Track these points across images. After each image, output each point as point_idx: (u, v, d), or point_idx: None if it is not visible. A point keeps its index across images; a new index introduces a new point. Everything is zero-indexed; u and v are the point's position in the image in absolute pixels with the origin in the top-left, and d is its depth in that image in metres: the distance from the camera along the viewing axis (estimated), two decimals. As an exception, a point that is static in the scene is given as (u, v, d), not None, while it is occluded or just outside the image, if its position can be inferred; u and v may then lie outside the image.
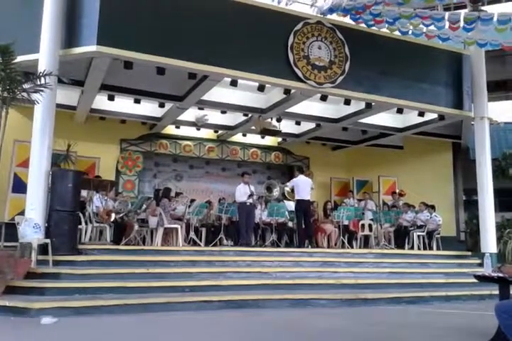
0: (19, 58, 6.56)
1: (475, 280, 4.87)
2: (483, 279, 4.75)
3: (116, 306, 5.47)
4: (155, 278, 6.60)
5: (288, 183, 10.50)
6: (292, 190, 10.50)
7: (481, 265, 9.15)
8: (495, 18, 8.60)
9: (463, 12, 8.90)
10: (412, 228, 10.80)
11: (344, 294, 6.85)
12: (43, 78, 6.51)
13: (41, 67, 6.86)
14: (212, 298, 6.07)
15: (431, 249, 10.46)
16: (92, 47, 7.24)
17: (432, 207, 10.76)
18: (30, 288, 5.77)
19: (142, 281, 6.35)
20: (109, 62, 7.81)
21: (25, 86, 6.47)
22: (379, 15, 8.95)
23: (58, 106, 7.75)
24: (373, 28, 9.35)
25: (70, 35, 7.43)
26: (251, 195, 9.55)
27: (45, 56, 7.16)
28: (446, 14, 8.80)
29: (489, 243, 9.67)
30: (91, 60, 7.89)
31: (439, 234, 10.62)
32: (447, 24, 8.87)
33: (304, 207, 9.70)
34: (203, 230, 9.96)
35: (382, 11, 8.85)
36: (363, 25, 9.40)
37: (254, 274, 7.36)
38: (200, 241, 9.60)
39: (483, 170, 9.96)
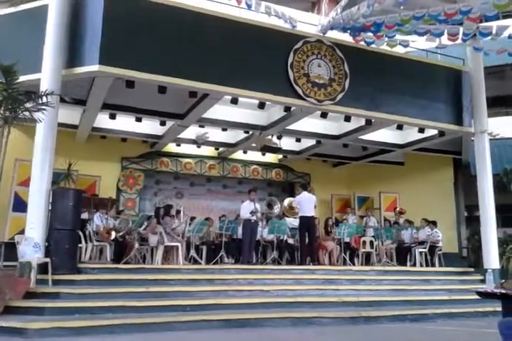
0: (22, 78, 6.64)
1: (478, 297, 4.81)
2: (485, 296, 4.68)
3: (117, 326, 5.42)
4: (155, 297, 6.55)
5: (293, 203, 10.42)
6: (291, 207, 10.45)
7: (483, 281, 9.08)
8: (493, 31, 8.70)
9: (461, 28, 8.99)
10: (413, 245, 10.73)
11: (347, 312, 6.79)
12: (44, 97, 6.57)
13: (43, 87, 6.93)
14: (213, 317, 6.02)
15: (433, 265, 10.37)
16: (94, 67, 7.32)
17: (434, 223, 10.71)
18: (29, 307, 5.72)
19: (142, 300, 6.30)
20: (111, 81, 7.88)
21: (27, 105, 6.52)
22: (379, 31, 9.04)
23: (60, 125, 7.79)
24: (372, 45, 9.46)
25: (72, 55, 7.53)
26: (253, 212, 9.53)
27: (47, 76, 7.24)
28: (446, 29, 8.89)
29: (491, 259, 9.61)
30: (93, 80, 7.97)
31: (440, 250, 10.55)
32: (446, 37, 8.99)
33: (307, 224, 9.65)
34: (204, 248, 9.91)
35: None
36: (362, 43, 9.51)
37: (256, 292, 7.31)
38: (201, 259, 9.55)
39: (485, 185, 9.95)
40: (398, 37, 9.38)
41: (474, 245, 10.97)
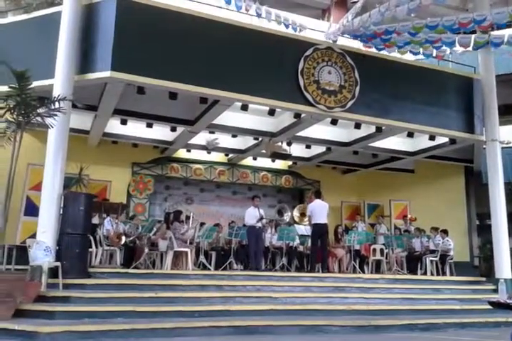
0: (35, 83, 6.69)
1: (490, 307, 4.76)
2: (497, 306, 4.62)
3: (125, 331, 5.40)
4: (164, 302, 6.54)
5: (307, 212, 10.36)
6: (302, 214, 10.37)
7: (495, 291, 8.97)
8: (505, 40, 8.65)
9: (473, 36, 8.94)
10: (425, 253, 10.62)
11: (356, 320, 6.72)
12: (57, 103, 6.63)
13: (56, 92, 6.99)
14: (222, 324, 5.99)
15: (444, 274, 10.28)
16: (106, 73, 7.40)
17: (445, 232, 10.61)
18: (39, 311, 5.74)
19: (151, 305, 6.29)
20: (122, 87, 7.95)
21: (40, 110, 6.59)
22: (389, 40, 9.04)
23: (72, 130, 7.87)
24: (383, 51, 9.44)
25: (85, 61, 7.61)
26: (261, 219, 9.52)
27: (60, 81, 7.32)
28: (457, 38, 8.85)
29: (504, 268, 9.48)
30: (105, 86, 8.04)
31: (452, 259, 10.44)
32: (458, 46, 8.95)
33: (320, 232, 9.56)
34: (213, 254, 9.91)
35: (392, 36, 8.94)
36: (372, 50, 9.51)
37: (264, 299, 7.27)
38: (210, 264, 9.54)
39: (496, 194, 9.86)
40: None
41: (486, 254, 10.84)
